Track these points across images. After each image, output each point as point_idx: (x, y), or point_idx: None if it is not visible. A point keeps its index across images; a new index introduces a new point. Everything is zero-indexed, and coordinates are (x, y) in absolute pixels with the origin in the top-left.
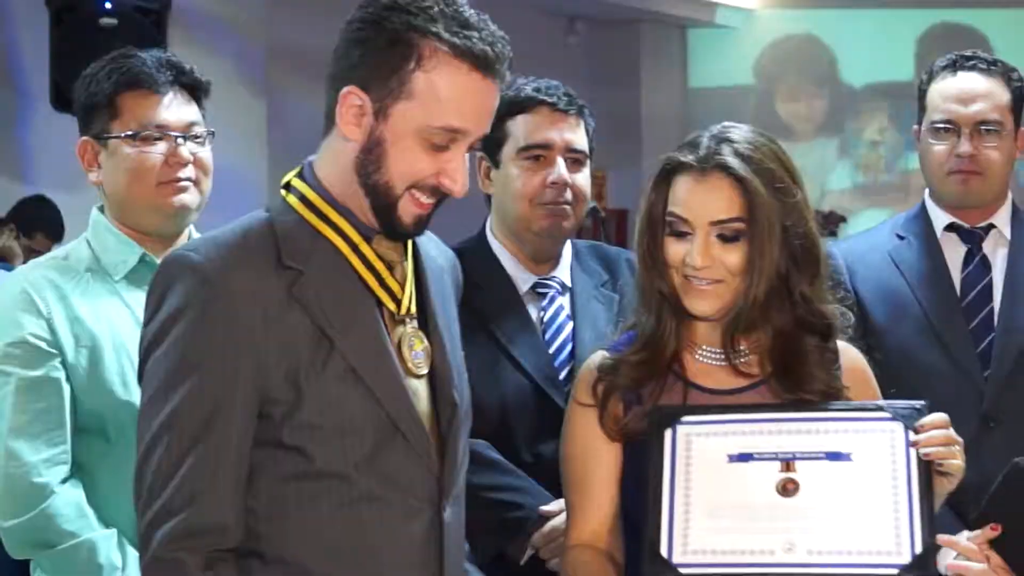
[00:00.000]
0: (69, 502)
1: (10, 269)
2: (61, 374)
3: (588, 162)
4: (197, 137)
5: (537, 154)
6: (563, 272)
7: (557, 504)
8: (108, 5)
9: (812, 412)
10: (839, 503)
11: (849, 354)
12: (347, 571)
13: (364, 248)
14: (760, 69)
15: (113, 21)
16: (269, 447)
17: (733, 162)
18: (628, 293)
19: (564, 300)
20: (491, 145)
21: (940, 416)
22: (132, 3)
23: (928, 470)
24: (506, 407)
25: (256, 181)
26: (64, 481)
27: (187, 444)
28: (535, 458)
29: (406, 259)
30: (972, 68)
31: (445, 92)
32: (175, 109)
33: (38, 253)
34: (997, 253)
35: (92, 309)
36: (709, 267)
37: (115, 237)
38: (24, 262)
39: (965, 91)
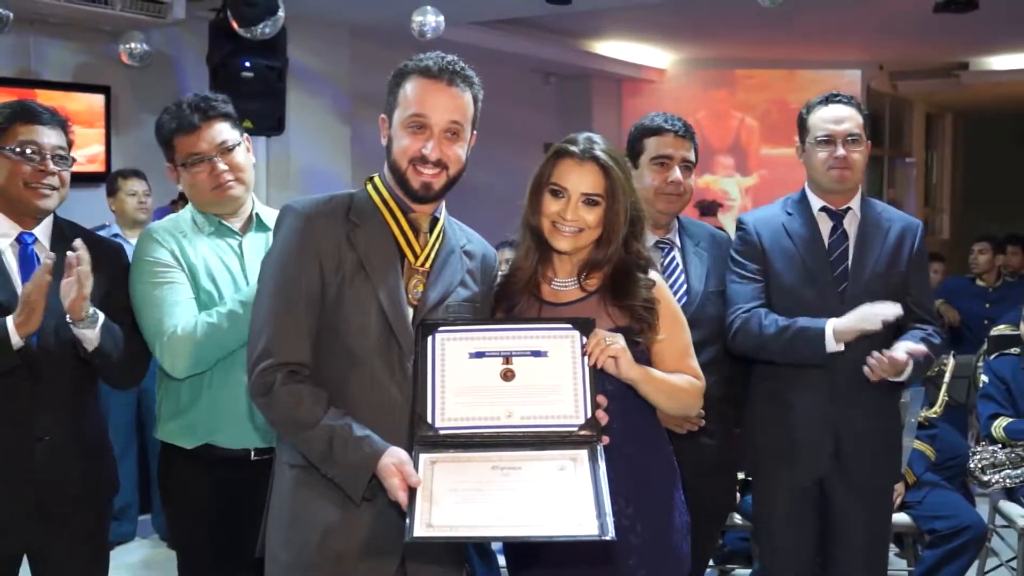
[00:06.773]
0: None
1: None
2: (181, 276)
3: (694, 169)
4: (229, 149)
5: (663, 162)
6: (674, 235)
7: None
8: (247, 64)
9: (523, 324)
10: (541, 385)
11: (660, 284)
12: (355, 410)
13: (401, 219)
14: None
15: (251, 74)
16: (322, 330)
17: (603, 157)
18: (712, 252)
19: (676, 252)
20: (633, 153)
21: (595, 334)
22: (264, 63)
23: (593, 365)
24: None
25: (342, 182)
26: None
27: (275, 304)
28: None
29: (431, 234)
30: (838, 101)
31: (410, 94)
32: (208, 137)
33: None
34: (852, 227)
35: (192, 249)
36: (575, 221)
37: (201, 213)
38: None
39: (837, 115)
